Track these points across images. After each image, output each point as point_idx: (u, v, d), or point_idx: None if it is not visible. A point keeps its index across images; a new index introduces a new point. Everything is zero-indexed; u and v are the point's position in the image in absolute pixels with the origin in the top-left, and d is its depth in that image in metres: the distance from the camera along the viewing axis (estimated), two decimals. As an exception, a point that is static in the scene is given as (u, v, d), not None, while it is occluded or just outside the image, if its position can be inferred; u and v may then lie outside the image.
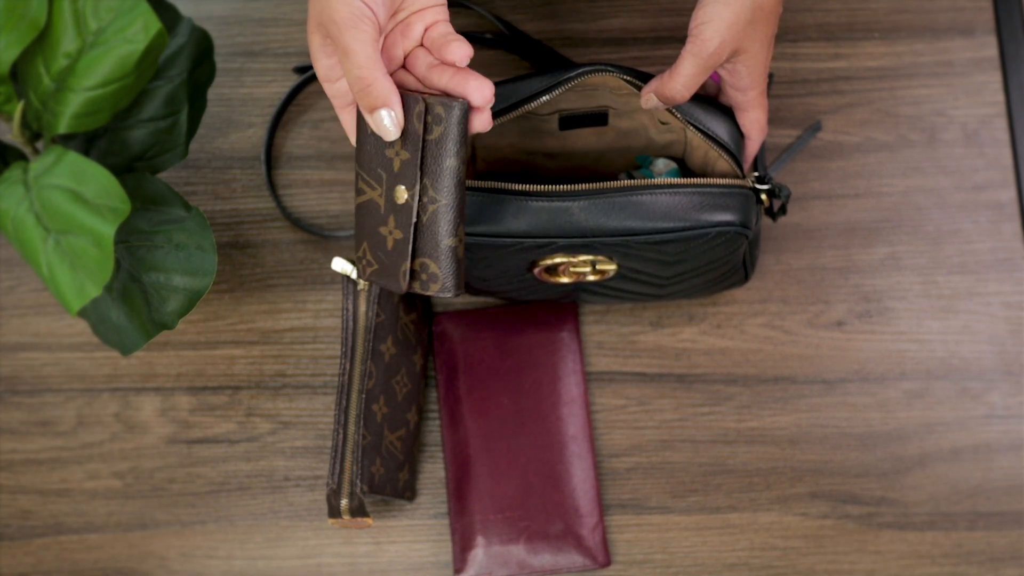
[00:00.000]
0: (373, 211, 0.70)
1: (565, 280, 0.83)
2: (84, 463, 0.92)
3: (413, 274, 0.70)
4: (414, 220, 0.69)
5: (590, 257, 0.80)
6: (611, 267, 0.81)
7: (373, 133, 0.70)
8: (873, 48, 0.97)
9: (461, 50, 0.68)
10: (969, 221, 0.94)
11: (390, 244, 0.70)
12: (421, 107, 0.67)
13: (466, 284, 0.87)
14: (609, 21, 0.98)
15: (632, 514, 0.91)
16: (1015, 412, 0.91)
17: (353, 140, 0.72)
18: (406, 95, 0.68)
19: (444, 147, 0.68)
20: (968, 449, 0.91)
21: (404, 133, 0.68)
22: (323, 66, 0.70)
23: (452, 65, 0.69)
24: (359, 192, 0.71)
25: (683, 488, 0.91)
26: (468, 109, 0.67)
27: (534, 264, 0.82)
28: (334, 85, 0.70)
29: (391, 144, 0.69)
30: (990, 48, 0.96)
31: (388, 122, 0.67)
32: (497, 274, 0.83)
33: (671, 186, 0.77)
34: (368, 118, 0.68)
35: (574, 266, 0.81)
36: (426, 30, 0.71)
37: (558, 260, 0.80)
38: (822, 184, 0.95)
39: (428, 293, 0.70)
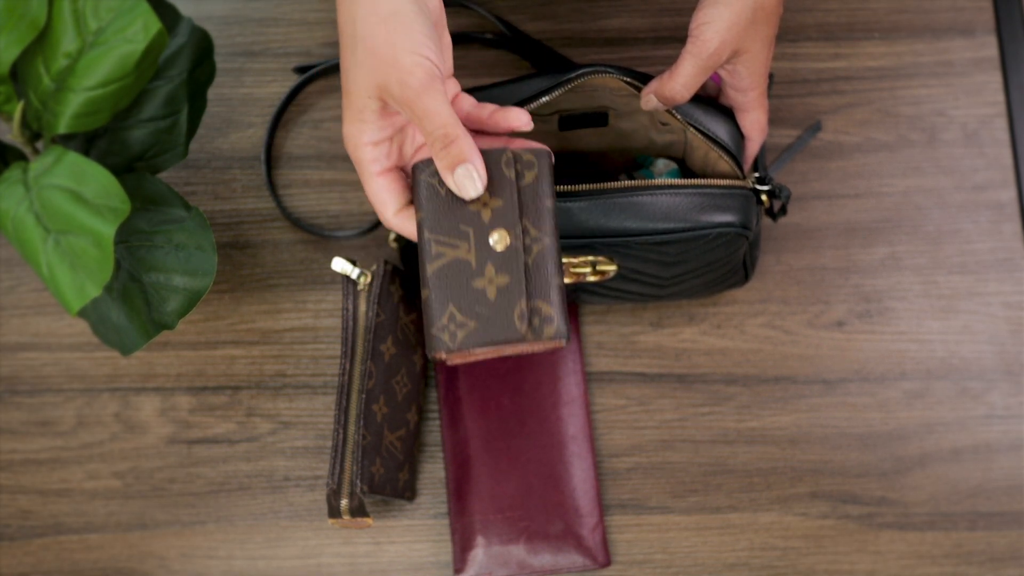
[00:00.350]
0: (461, 269, 0.68)
1: (565, 281, 0.83)
2: (84, 463, 0.92)
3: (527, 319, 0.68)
4: (523, 259, 0.68)
5: (590, 258, 0.80)
6: (611, 268, 0.81)
7: (448, 193, 0.68)
8: (873, 48, 0.97)
9: (525, 115, 0.69)
10: (969, 221, 0.94)
11: (492, 293, 0.68)
12: (509, 155, 0.68)
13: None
14: (609, 21, 0.98)
15: (632, 514, 0.91)
16: (1015, 412, 0.91)
17: (384, 208, 0.70)
18: (488, 149, 0.69)
19: (540, 189, 0.69)
20: (968, 449, 0.91)
21: (493, 182, 0.68)
22: (375, 128, 0.68)
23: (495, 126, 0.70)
24: (435, 257, 0.68)
25: (683, 488, 0.91)
26: (552, 156, 0.70)
27: (534, 264, 0.82)
28: (376, 149, 0.69)
29: (475, 199, 0.68)
30: (990, 48, 0.96)
31: (472, 177, 0.66)
32: (497, 274, 0.83)
33: (671, 187, 0.77)
34: (448, 177, 0.66)
35: (574, 267, 0.81)
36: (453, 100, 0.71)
37: (558, 260, 0.80)
38: (822, 184, 0.95)
39: (542, 340, 0.67)
